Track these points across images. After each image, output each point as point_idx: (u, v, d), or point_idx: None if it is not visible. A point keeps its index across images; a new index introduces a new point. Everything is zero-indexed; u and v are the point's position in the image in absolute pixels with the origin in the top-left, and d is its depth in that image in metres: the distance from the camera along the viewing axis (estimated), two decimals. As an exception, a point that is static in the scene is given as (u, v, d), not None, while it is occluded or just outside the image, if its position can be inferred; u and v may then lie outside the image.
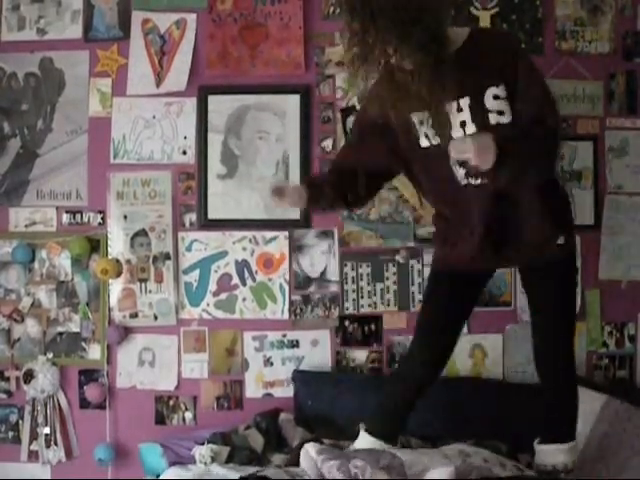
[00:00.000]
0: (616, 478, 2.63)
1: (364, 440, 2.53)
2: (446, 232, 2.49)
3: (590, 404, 2.83)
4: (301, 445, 2.77)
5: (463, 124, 2.24)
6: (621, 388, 2.92)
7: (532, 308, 2.55)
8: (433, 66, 2.12)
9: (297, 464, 2.62)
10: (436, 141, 2.28)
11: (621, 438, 2.75)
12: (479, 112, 2.23)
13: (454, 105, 2.23)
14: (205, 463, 2.65)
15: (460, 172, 2.30)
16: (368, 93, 2.37)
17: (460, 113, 2.24)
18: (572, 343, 2.54)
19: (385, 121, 2.34)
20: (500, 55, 2.23)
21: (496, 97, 2.23)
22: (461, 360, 3.20)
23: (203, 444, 2.79)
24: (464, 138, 2.20)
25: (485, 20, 3.21)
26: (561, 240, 2.40)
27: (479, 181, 2.28)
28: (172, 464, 2.83)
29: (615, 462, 2.70)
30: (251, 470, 2.59)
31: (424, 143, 2.31)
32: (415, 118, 2.28)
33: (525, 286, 2.62)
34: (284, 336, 3.20)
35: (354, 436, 2.87)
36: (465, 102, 2.23)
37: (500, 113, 2.23)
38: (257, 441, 2.87)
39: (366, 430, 2.55)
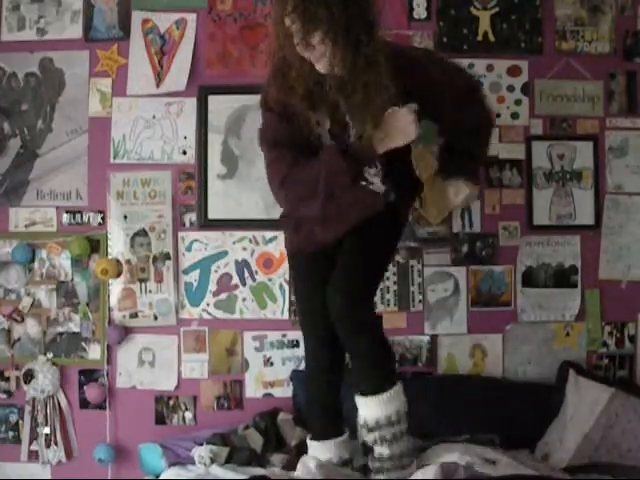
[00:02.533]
0: (615, 462, 2.64)
1: (317, 449, 2.51)
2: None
3: (596, 395, 2.86)
4: (300, 445, 2.78)
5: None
6: (622, 388, 2.92)
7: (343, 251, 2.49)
8: (359, 72, 2.15)
9: (296, 464, 2.62)
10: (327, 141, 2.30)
11: (625, 429, 2.76)
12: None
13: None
14: (204, 464, 2.65)
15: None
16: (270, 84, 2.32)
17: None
18: (373, 293, 2.54)
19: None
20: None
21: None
22: (461, 360, 3.21)
23: (202, 445, 2.79)
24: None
25: (485, 20, 3.22)
26: (391, 197, 2.44)
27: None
28: (172, 465, 2.83)
29: (617, 452, 2.72)
30: (251, 470, 2.59)
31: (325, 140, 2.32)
32: (313, 117, 2.27)
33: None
34: (284, 336, 3.20)
35: (352, 435, 2.88)
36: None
37: None
38: (256, 441, 2.87)
39: (313, 439, 2.54)
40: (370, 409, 2.39)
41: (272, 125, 2.33)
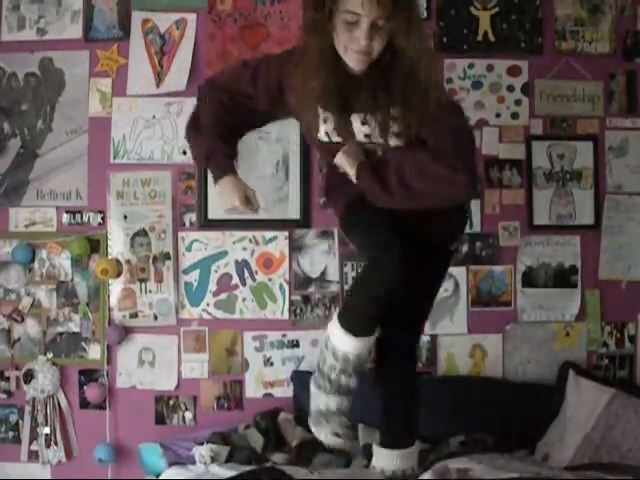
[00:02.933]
0: (615, 462, 2.64)
1: (339, 336, 2.18)
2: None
3: (597, 395, 2.86)
4: (302, 445, 2.79)
5: (367, 136, 2.17)
6: (622, 388, 2.92)
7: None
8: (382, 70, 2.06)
9: (296, 463, 2.63)
10: (337, 139, 2.19)
11: (625, 429, 2.76)
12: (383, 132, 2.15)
13: (361, 117, 2.15)
14: (205, 463, 2.65)
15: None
16: (288, 59, 2.16)
17: (366, 126, 2.16)
18: (419, 338, 2.48)
19: (282, 91, 2.18)
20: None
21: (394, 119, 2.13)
22: (461, 360, 3.21)
23: (203, 444, 2.79)
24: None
25: (485, 20, 3.22)
26: (454, 247, 2.43)
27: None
28: (172, 464, 2.83)
29: (617, 452, 2.72)
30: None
31: (322, 137, 2.20)
32: (321, 113, 2.15)
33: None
34: (284, 336, 3.20)
35: (354, 438, 2.88)
36: (369, 118, 2.14)
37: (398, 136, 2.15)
38: (257, 441, 2.87)
39: (341, 325, 2.18)
40: (392, 461, 2.38)
41: (259, 79, 2.19)
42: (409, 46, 2.00)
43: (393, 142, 2.15)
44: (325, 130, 2.18)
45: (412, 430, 2.45)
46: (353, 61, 2.03)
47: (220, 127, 2.25)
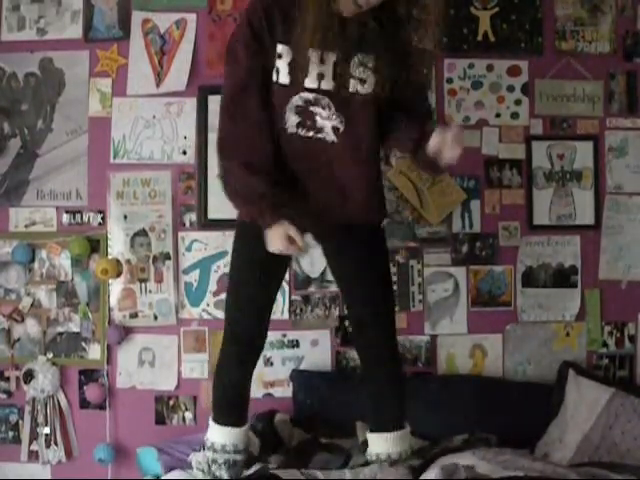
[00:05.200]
0: (615, 461, 2.64)
1: (213, 430, 2.49)
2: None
3: (596, 395, 2.87)
4: (299, 446, 2.78)
5: (321, 76, 2.17)
6: (621, 388, 2.92)
7: (349, 281, 2.45)
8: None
9: (295, 466, 2.62)
10: (284, 80, 2.18)
11: (625, 429, 2.76)
12: (342, 73, 2.17)
13: (318, 54, 2.16)
14: (202, 470, 2.63)
15: (292, 119, 2.21)
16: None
17: (322, 65, 2.17)
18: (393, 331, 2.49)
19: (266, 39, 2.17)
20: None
21: (361, 64, 2.18)
22: (461, 360, 3.21)
23: (199, 450, 2.77)
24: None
25: (485, 20, 3.22)
26: (384, 224, 2.47)
27: (332, 137, 2.23)
28: (170, 468, 2.81)
29: (617, 452, 2.72)
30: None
31: (273, 76, 2.19)
32: (314, 53, 2.16)
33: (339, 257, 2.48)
34: (284, 336, 3.19)
35: (352, 435, 2.88)
36: (331, 57, 2.16)
37: (362, 81, 2.19)
38: (253, 444, 2.85)
39: (213, 419, 2.51)
40: (385, 445, 2.43)
41: (245, 52, 2.17)
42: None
43: (353, 87, 2.17)
44: (277, 67, 2.17)
45: (401, 412, 2.48)
46: (345, 6, 2.09)
47: (269, 157, 2.21)
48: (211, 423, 2.53)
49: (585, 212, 3.24)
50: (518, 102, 3.23)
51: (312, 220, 2.29)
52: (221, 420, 2.49)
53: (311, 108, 2.20)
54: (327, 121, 2.21)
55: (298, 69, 2.16)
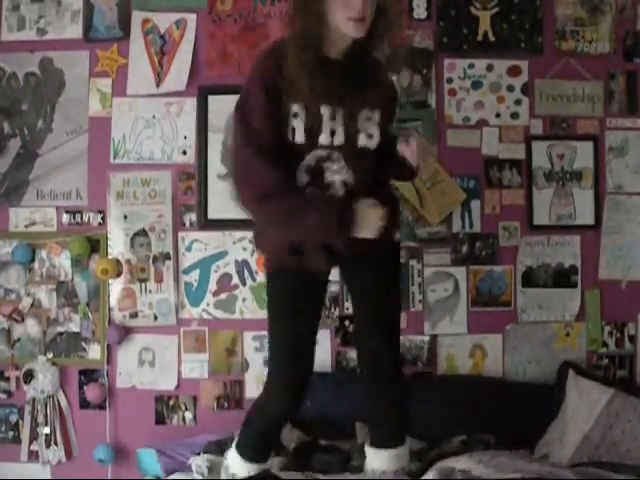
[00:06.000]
0: (615, 461, 2.64)
1: (238, 462, 2.45)
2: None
3: (596, 395, 2.86)
4: (299, 447, 2.78)
5: (333, 133, 2.17)
6: (621, 388, 2.92)
7: (361, 306, 2.44)
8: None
9: (294, 466, 2.62)
10: (300, 140, 2.15)
11: (625, 429, 2.76)
12: (351, 128, 2.19)
13: (330, 109, 2.17)
14: (202, 474, 2.63)
15: (302, 178, 2.19)
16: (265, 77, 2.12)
17: (333, 121, 2.17)
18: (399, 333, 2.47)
19: (277, 105, 2.13)
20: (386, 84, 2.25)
21: (368, 119, 2.21)
22: (461, 360, 3.21)
23: (199, 454, 2.76)
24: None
25: (485, 20, 3.22)
26: (397, 238, 2.43)
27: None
28: (170, 471, 2.80)
29: (617, 452, 2.72)
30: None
31: (289, 136, 2.16)
32: (326, 111, 2.16)
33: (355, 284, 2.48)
34: (284, 336, 3.19)
35: (352, 437, 2.88)
36: (340, 111, 2.17)
37: (369, 136, 2.22)
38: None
39: (239, 452, 2.46)
40: (383, 461, 2.42)
41: (260, 112, 2.12)
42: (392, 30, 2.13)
43: (362, 141, 2.20)
44: (293, 126, 2.15)
45: (402, 429, 2.47)
46: (353, 29, 2.08)
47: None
48: (235, 453, 2.46)
49: (585, 212, 3.24)
50: (518, 102, 3.23)
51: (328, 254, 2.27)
52: (248, 457, 2.44)
53: (322, 164, 2.20)
54: (337, 175, 2.21)
55: (313, 127, 2.15)
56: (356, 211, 2.12)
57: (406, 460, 2.47)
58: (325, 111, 2.16)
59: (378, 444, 2.44)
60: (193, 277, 3.21)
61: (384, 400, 2.44)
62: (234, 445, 2.49)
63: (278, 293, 2.37)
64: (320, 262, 2.24)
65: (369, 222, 2.12)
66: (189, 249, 3.21)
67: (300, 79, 2.08)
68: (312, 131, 2.16)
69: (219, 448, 2.81)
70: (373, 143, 2.22)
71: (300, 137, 2.16)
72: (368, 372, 2.44)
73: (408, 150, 2.25)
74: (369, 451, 2.47)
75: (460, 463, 2.38)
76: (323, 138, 2.18)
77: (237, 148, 2.18)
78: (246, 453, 2.44)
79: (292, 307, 2.33)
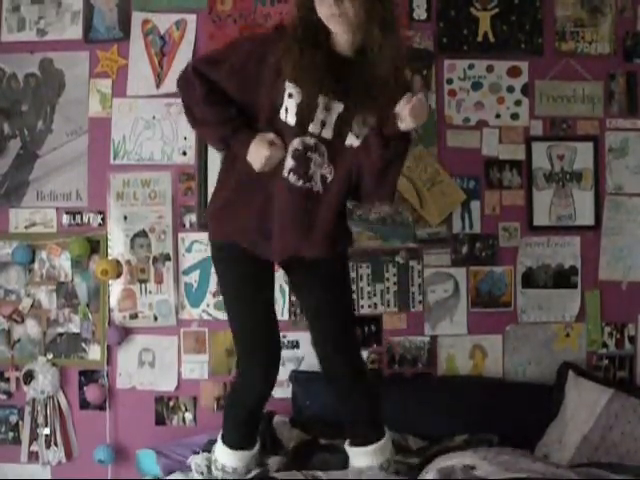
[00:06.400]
0: (614, 462, 2.64)
1: (225, 453, 2.49)
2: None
3: (596, 396, 2.87)
4: (298, 447, 2.78)
5: (323, 124, 2.21)
6: (621, 389, 2.93)
7: (307, 299, 2.50)
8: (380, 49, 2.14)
9: (294, 467, 2.62)
10: (291, 120, 2.20)
11: (624, 430, 2.76)
12: (343, 125, 2.22)
13: (326, 101, 2.20)
14: (202, 473, 2.63)
15: (288, 162, 2.24)
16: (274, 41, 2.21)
17: (327, 112, 2.21)
18: (354, 323, 2.55)
19: (260, 62, 2.22)
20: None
21: (364, 123, 2.22)
22: (461, 360, 3.21)
23: (198, 453, 2.76)
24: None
25: (485, 21, 3.22)
26: (340, 248, 2.44)
27: (318, 188, 2.27)
28: (169, 471, 2.80)
29: (616, 453, 2.72)
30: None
31: (282, 115, 2.22)
32: (287, 87, 2.19)
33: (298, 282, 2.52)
34: (284, 337, 3.17)
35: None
36: (337, 107, 2.21)
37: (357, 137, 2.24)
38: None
39: (224, 442, 2.49)
40: (364, 458, 2.45)
41: (239, 52, 2.24)
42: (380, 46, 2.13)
43: (349, 141, 2.23)
44: (286, 105, 2.20)
45: (376, 424, 2.49)
46: (334, 25, 2.14)
47: (215, 105, 2.26)
48: (221, 445, 2.50)
49: (585, 213, 3.24)
50: (518, 103, 3.23)
51: (275, 252, 2.33)
52: (235, 444, 2.48)
53: (309, 154, 2.24)
54: (318, 169, 2.25)
55: (305, 112, 2.19)
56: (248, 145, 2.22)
57: (388, 451, 2.49)
58: (321, 101, 2.18)
59: (357, 443, 2.48)
60: (193, 278, 3.21)
61: (349, 401, 2.47)
62: (219, 437, 2.53)
63: (227, 272, 2.42)
64: (267, 251, 2.31)
65: (258, 153, 2.21)
66: (189, 250, 3.21)
67: (297, 60, 2.13)
68: (303, 116, 2.19)
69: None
70: (357, 143, 2.23)
71: (291, 118, 2.21)
72: (325, 376, 2.49)
73: (405, 108, 2.14)
74: (350, 451, 2.50)
75: (464, 458, 2.38)
76: (312, 127, 2.21)
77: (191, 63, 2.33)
78: (231, 442, 2.48)
79: (246, 292, 2.39)
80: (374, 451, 2.45)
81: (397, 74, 2.20)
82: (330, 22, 2.14)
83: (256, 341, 2.39)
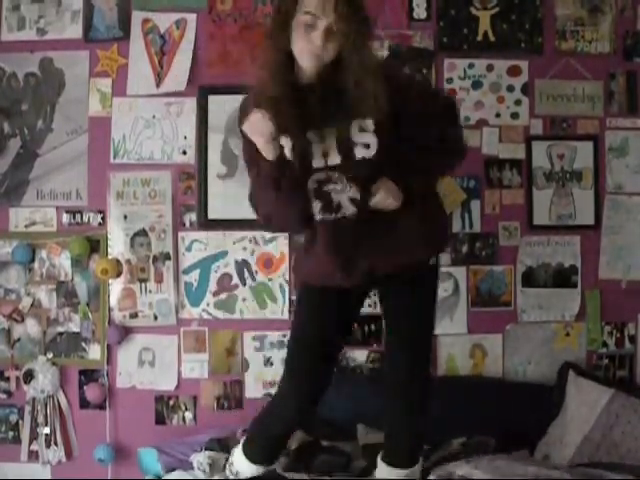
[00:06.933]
0: (615, 462, 2.64)
1: (242, 462, 2.46)
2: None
3: (596, 395, 2.87)
4: (301, 448, 2.78)
5: (325, 154, 2.17)
6: (622, 388, 2.92)
7: (391, 325, 2.42)
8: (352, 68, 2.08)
9: (296, 466, 2.62)
10: (335, 161, 2.17)
11: (625, 429, 2.76)
12: (344, 143, 2.16)
13: (317, 134, 2.16)
14: (204, 471, 2.63)
15: (315, 204, 2.23)
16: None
17: (324, 143, 2.16)
18: (429, 359, 2.44)
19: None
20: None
21: (362, 130, 2.16)
22: (461, 360, 3.21)
23: (200, 451, 2.77)
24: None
25: (485, 20, 3.22)
26: (433, 261, 2.36)
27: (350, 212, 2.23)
28: (170, 469, 2.81)
29: (617, 452, 2.72)
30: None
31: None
32: (314, 135, 2.15)
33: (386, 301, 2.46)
34: (284, 336, 3.18)
35: (352, 437, 2.88)
36: (330, 132, 2.15)
37: (366, 146, 2.17)
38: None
39: (244, 451, 2.46)
40: (392, 477, 2.40)
41: (250, 150, 2.17)
42: (356, 58, 2.06)
43: (360, 154, 2.16)
44: (288, 157, 2.14)
45: (416, 451, 2.43)
46: (307, 61, 2.08)
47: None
48: (240, 452, 2.47)
49: (585, 212, 3.24)
50: (518, 102, 3.23)
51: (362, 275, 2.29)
52: (253, 457, 2.44)
53: (324, 188, 2.21)
54: (342, 194, 2.21)
55: (303, 153, 2.16)
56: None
57: (418, 477, 2.43)
58: (312, 136, 2.15)
59: (391, 462, 2.41)
60: (193, 277, 3.21)
61: (398, 420, 2.40)
62: (241, 443, 2.49)
63: (301, 300, 2.44)
64: (340, 279, 2.26)
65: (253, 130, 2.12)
66: (189, 249, 3.21)
67: (275, 112, 2.06)
68: (304, 157, 2.16)
69: (221, 445, 2.82)
70: (371, 152, 2.16)
71: (294, 163, 2.15)
72: (386, 385, 2.40)
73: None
74: (381, 464, 2.43)
75: (458, 469, 2.39)
76: (316, 161, 2.17)
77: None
78: (251, 453, 2.44)
79: (310, 312, 2.37)
80: (405, 475, 2.39)
81: (371, 75, 2.10)
82: (302, 57, 2.08)
83: (297, 368, 2.36)
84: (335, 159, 2.17)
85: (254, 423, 2.49)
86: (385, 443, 2.45)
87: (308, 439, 2.86)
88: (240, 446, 2.49)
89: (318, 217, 2.23)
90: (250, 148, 2.15)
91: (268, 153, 2.09)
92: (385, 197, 2.15)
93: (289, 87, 2.10)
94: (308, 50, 2.06)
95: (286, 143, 2.12)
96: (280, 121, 2.06)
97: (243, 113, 2.19)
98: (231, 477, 2.48)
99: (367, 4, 2.12)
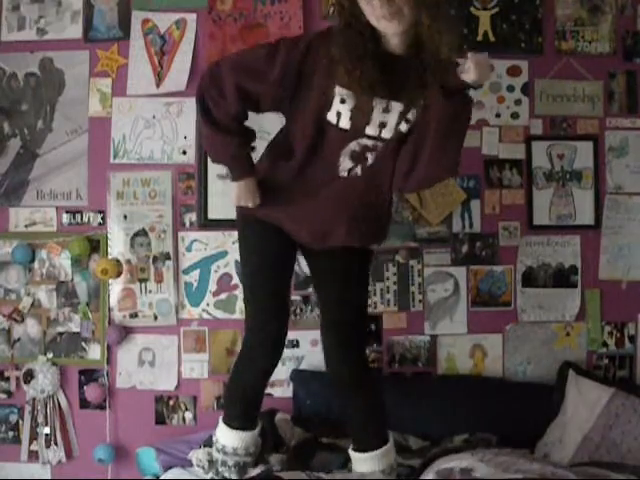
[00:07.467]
0: (615, 461, 2.64)
1: (225, 433, 2.51)
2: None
3: (596, 395, 2.87)
4: (300, 445, 2.78)
5: (382, 125, 2.20)
6: (621, 388, 2.92)
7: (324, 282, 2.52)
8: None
9: (295, 464, 2.62)
10: (345, 125, 2.19)
11: (625, 429, 2.76)
12: (402, 121, 2.20)
13: (383, 103, 2.17)
14: (203, 467, 2.63)
15: (345, 163, 2.26)
16: (322, 36, 2.16)
17: (386, 114, 2.18)
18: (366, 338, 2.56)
19: (301, 71, 2.16)
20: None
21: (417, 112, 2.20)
22: (461, 360, 3.21)
23: (199, 447, 2.77)
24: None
25: (485, 20, 3.22)
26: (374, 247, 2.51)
27: (358, 171, 2.27)
28: (169, 468, 2.81)
29: (617, 452, 2.72)
30: (250, 471, 2.58)
31: (331, 118, 2.19)
32: (338, 92, 2.15)
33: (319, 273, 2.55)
34: (284, 336, 3.19)
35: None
36: (397, 106, 2.18)
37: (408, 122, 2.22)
38: (257, 443, 2.85)
39: (225, 422, 2.52)
40: (367, 464, 2.44)
41: (285, 60, 2.15)
42: (431, 38, 2.07)
43: (403, 127, 2.20)
44: (338, 110, 2.16)
45: (381, 429, 2.48)
46: (385, 27, 2.07)
47: (236, 120, 2.27)
48: (222, 425, 2.52)
49: (585, 212, 3.24)
50: (518, 102, 3.23)
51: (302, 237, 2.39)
52: (235, 424, 2.49)
53: (367, 154, 2.24)
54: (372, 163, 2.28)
55: (360, 116, 2.17)
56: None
57: (392, 456, 2.49)
58: (377, 103, 2.15)
59: (360, 449, 2.47)
60: (193, 277, 3.21)
61: (351, 405, 2.48)
62: (220, 419, 2.54)
63: (250, 239, 2.48)
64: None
65: (239, 195, 2.33)
66: (189, 249, 3.21)
67: (344, 64, 2.08)
68: (358, 121, 2.17)
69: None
70: (408, 126, 2.21)
71: (345, 123, 2.18)
72: (329, 374, 2.50)
73: (472, 59, 2.10)
74: (353, 456, 2.49)
75: (462, 461, 2.38)
76: (369, 129, 2.19)
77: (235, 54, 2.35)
78: (232, 421, 2.49)
79: (265, 261, 2.43)
80: (377, 457, 2.44)
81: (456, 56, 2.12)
82: (381, 24, 2.06)
83: (267, 312, 2.43)
84: (388, 133, 2.21)
85: (228, 390, 2.56)
86: (350, 431, 2.52)
87: (307, 436, 2.86)
88: (220, 421, 2.54)
89: (341, 174, 2.26)
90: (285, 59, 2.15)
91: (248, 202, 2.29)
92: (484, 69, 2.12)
93: (366, 51, 2.09)
94: (375, 16, 2.05)
95: (349, 99, 2.13)
96: (353, 80, 2.08)
97: (313, 42, 2.16)
98: (217, 455, 2.51)
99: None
